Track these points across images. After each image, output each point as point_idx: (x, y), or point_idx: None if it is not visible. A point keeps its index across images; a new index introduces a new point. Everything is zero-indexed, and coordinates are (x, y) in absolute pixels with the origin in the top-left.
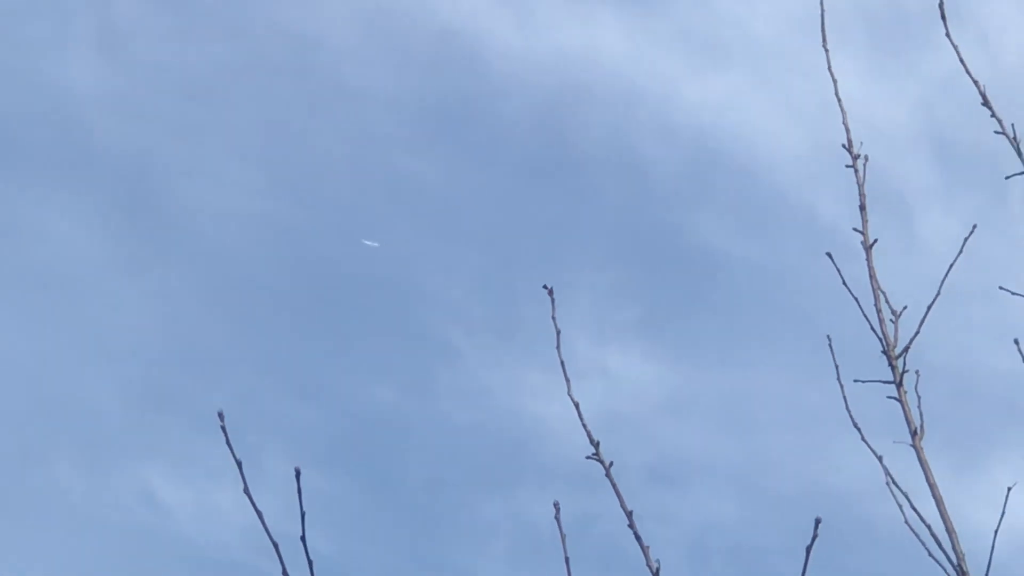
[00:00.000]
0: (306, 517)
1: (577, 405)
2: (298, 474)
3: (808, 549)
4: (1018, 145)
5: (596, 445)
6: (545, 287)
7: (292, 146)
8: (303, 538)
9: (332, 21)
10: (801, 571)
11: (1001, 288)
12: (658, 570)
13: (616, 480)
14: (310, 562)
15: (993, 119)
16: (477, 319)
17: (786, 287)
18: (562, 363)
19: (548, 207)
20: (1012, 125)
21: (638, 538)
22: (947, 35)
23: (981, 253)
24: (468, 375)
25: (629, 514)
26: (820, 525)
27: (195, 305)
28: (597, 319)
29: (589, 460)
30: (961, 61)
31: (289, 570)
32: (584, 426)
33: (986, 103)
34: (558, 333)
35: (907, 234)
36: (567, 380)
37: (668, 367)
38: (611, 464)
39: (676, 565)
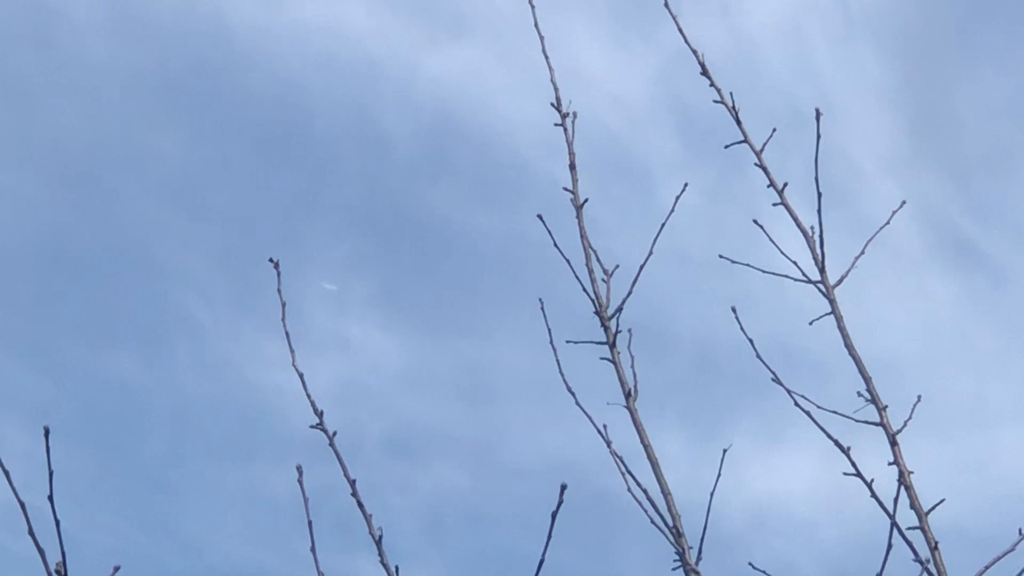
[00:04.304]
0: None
1: (302, 375)
2: (47, 433)
3: (553, 515)
4: (736, 113)
5: (320, 415)
6: (271, 260)
7: (33, 118)
8: (51, 497)
9: None
10: (546, 537)
11: (721, 256)
12: (381, 538)
13: (345, 450)
14: (57, 522)
15: (712, 88)
16: (217, 292)
17: (525, 256)
18: (287, 334)
19: (290, 180)
20: (731, 94)
21: (361, 506)
22: (666, 5)
23: (721, 222)
24: (208, 347)
25: (352, 483)
26: (566, 491)
27: None
28: (338, 291)
29: (315, 429)
30: (680, 31)
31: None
32: (308, 396)
33: (705, 72)
34: (283, 305)
35: (650, 204)
36: (292, 351)
37: (408, 339)
38: (335, 433)
39: (412, 534)
